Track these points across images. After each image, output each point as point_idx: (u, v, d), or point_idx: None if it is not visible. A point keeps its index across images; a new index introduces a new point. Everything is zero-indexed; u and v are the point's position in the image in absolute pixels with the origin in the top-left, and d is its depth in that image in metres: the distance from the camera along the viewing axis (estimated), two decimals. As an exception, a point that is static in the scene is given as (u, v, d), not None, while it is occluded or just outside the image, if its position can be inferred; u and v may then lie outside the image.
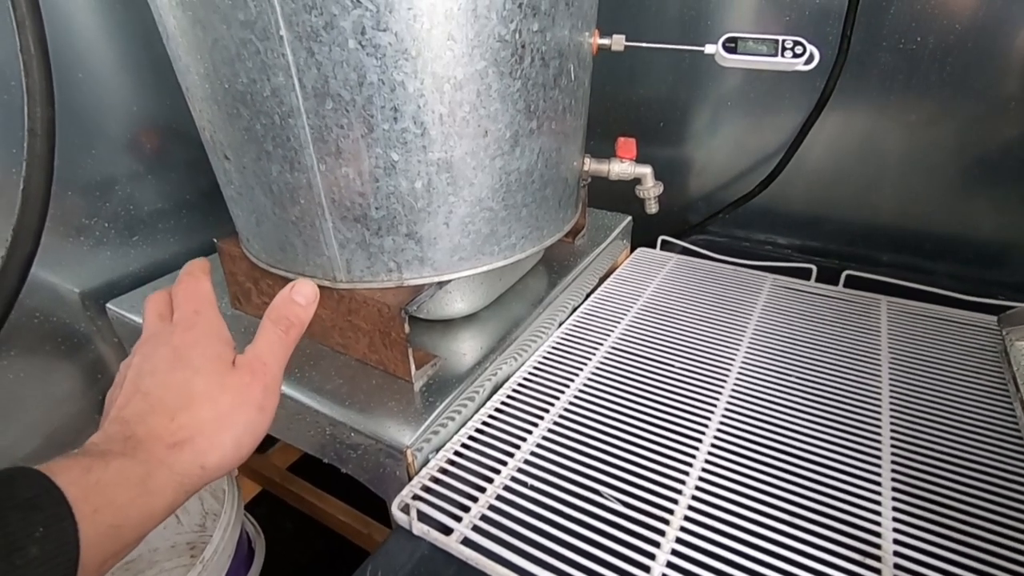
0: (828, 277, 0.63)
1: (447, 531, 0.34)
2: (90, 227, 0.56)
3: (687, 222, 0.78)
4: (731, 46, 0.45)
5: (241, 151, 0.39)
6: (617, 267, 0.67)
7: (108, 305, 0.56)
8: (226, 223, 0.50)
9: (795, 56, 0.43)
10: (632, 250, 0.71)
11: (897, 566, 0.32)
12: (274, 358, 0.30)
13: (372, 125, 0.35)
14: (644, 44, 0.46)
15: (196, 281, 0.31)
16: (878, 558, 0.32)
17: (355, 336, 0.44)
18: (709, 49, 0.46)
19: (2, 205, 0.49)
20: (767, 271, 0.65)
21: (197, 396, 0.27)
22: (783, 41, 0.44)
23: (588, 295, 0.61)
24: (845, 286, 0.61)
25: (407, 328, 0.41)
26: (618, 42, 0.46)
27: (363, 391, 0.43)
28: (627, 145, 0.50)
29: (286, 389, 0.43)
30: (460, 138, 0.37)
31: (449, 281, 0.43)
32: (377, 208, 0.39)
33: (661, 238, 0.71)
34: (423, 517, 0.35)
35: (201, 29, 0.35)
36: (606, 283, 0.62)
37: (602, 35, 0.46)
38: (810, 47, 0.44)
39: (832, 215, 0.72)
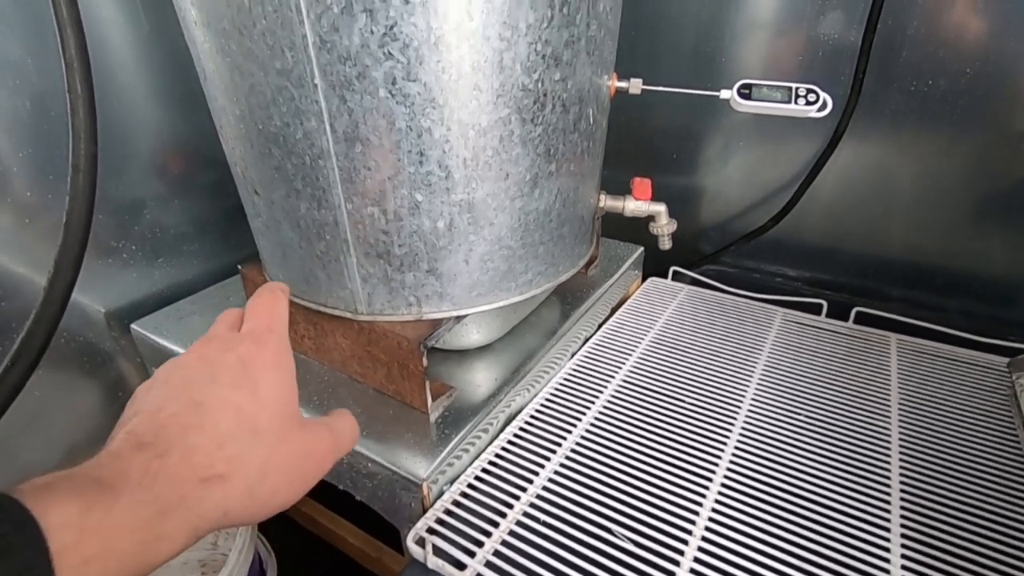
0: (838, 312, 0.63)
1: (461, 566, 0.35)
2: (118, 249, 0.58)
3: (699, 252, 0.79)
4: (745, 92, 0.46)
5: (271, 188, 0.40)
6: (629, 297, 0.67)
7: (132, 326, 0.57)
8: (247, 245, 0.51)
9: (808, 103, 0.45)
10: (644, 279, 0.72)
11: (905, 615, 0.32)
12: (346, 444, 0.28)
13: (399, 168, 0.37)
14: (661, 88, 0.47)
15: (275, 298, 0.28)
16: (886, 606, 0.33)
17: (373, 366, 0.46)
18: (724, 94, 0.47)
19: (39, 230, 0.51)
20: (777, 304, 0.66)
21: (258, 432, 0.23)
22: (796, 88, 0.45)
23: (600, 325, 0.61)
24: (855, 322, 0.62)
25: (425, 361, 0.42)
26: (635, 86, 0.47)
27: (380, 421, 0.44)
28: (643, 186, 0.51)
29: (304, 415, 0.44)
30: (482, 180, 0.39)
31: (467, 315, 0.44)
32: (400, 245, 0.40)
33: (672, 268, 0.72)
34: (438, 551, 0.36)
35: (239, 75, 0.36)
36: (618, 314, 0.63)
37: (619, 78, 0.47)
38: (823, 95, 0.45)
39: (844, 249, 0.72)
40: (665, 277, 0.72)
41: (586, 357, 0.56)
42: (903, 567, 0.35)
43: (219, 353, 0.25)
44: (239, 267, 0.52)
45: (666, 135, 0.77)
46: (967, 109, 0.59)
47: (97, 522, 0.18)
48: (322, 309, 0.44)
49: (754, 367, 0.55)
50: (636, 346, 0.58)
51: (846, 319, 0.62)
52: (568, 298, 0.60)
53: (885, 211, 0.68)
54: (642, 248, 0.71)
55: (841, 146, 0.66)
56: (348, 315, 0.43)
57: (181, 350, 0.53)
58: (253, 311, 0.28)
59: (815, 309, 0.64)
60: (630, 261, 0.68)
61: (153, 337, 0.55)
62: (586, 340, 0.59)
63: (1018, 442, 0.44)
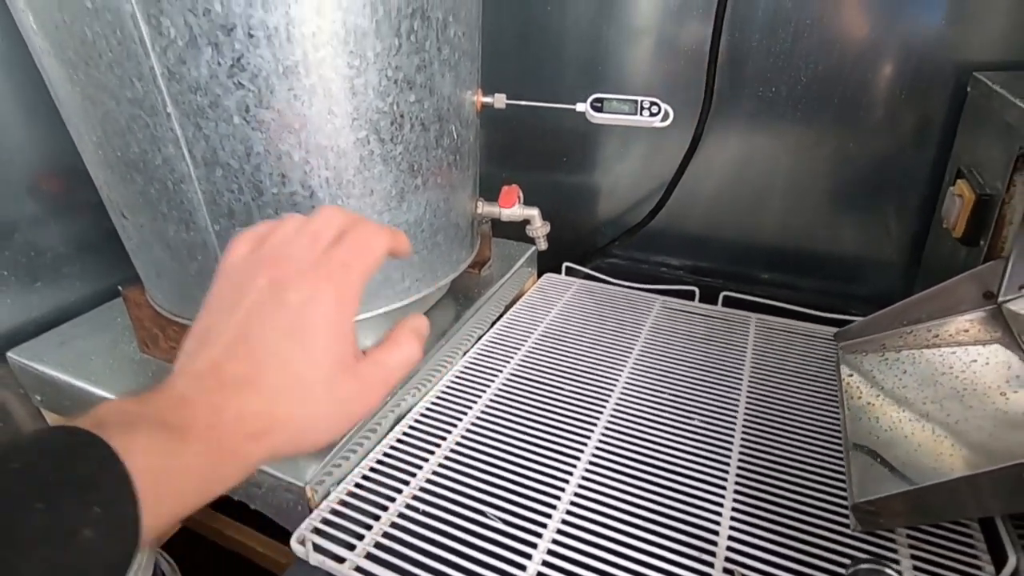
0: (710, 297, 0.70)
1: (340, 560, 0.37)
2: (-12, 276, 0.56)
3: (594, 246, 0.85)
4: (598, 105, 0.51)
5: (137, 211, 0.41)
6: (524, 294, 0.72)
7: (9, 354, 0.55)
8: (134, 265, 0.51)
9: (652, 115, 0.50)
10: (541, 276, 0.76)
11: (728, 559, 0.38)
12: (399, 374, 0.26)
13: (262, 190, 0.39)
14: (523, 102, 0.51)
15: (378, 232, 0.26)
16: (712, 553, 0.38)
17: (260, 378, 0.47)
18: (579, 107, 0.51)
19: None
20: (658, 293, 0.72)
21: (304, 388, 0.23)
22: (642, 101, 0.50)
23: (494, 323, 0.65)
24: (723, 305, 0.69)
25: (307, 371, 0.44)
26: (500, 100, 0.51)
27: (268, 431, 0.45)
28: (508, 194, 0.55)
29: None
30: (347, 198, 0.41)
31: (348, 324, 0.46)
32: (272, 262, 0.41)
33: (565, 264, 0.77)
34: (318, 548, 0.38)
35: (91, 103, 0.37)
36: (511, 311, 0.67)
37: (485, 93, 0.51)
38: (664, 106, 0.50)
39: (719, 238, 0.80)
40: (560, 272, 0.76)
41: (478, 354, 0.59)
42: (732, 516, 0.41)
43: (282, 287, 0.24)
44: (120, 288, 0.52)
45: (559, 135, 0.81)
46: (805, 111, 0.67)
47: (170, 466, 0.20)
48: (203, 327, 0.45)
49: (630, 351, 0.60)
50: (526, 340, 0.62)
51: (716, 303, 0.69)
52: (461, 298, 0.63)
53: (752, 204, 0.76)
54: (534, 247, 0.75)
55: (710, 145, 0.72)
56: (229, 331, 0.45)
57: (64, 376, 0.52)
58: (351, 237, 0.25)
59: (690, 295, 0.71)
60: (522, 260, 0.72)
61: (32, 365, 0.54)
62: (479, 338, 0.62)
63: (836, 402, 0.52)
